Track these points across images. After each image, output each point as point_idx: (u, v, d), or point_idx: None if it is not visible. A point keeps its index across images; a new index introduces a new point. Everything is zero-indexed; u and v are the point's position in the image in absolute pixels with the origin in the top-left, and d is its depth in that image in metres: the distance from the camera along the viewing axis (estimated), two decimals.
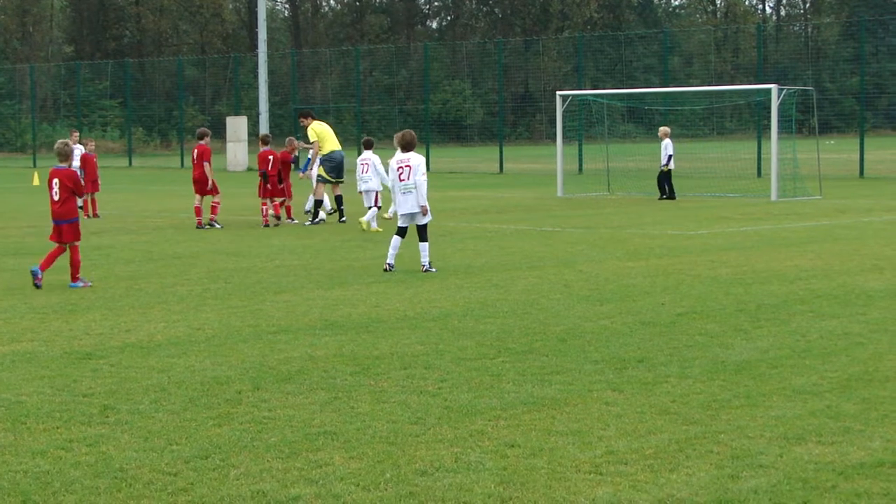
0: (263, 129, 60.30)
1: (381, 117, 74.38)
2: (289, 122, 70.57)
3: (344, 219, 27.33)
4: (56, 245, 16.96)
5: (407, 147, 17.97)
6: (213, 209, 26.71)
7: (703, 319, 13.38)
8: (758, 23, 68.53)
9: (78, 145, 31.70)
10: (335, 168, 27.60)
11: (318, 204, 27.63)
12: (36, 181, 48.27)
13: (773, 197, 33.97)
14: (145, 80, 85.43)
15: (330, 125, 28.84)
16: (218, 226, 26.30)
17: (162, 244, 22.76)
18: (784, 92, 35.54)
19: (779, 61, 65.23)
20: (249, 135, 61.33)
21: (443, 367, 10.91)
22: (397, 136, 18.11)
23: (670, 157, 34.77)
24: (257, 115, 61.45)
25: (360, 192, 26.19)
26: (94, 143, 32.53)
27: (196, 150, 26.76)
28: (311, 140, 27.89)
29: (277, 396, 9.81)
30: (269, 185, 26.80)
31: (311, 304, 14.79)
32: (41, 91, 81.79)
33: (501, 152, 55.43)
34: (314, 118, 28.44)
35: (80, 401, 9.71)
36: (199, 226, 26.23)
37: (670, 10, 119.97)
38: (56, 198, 16.81)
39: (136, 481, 7.56)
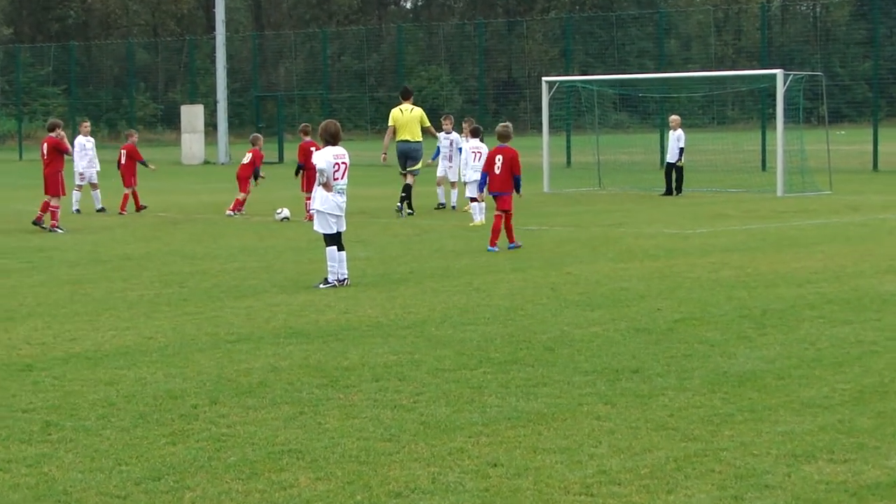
0: (221, 117, 60.20)
1: (350, 105, 74.28)
2: (249, 111, 70.43)
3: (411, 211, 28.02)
4: (495, 215, 21.00)
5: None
6: (54, 214, 25.23)
7: (703, 326, 13.41)
8: (762, 2, 68.65)
9: (89, 138, 31.47)
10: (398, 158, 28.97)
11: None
12: None
13: (779, 192, 34.09)
14: (91, 65, 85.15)
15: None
16: (61, 230, 24.99)
17: (110, 244, 22.70)
18: (790, 78, 35.65)
19: (784, 44, 65.44)
20: (206, 125, 61.19)
21: (419, 379, 10.91)
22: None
23: (682, 150, 34.83)
24: (215, 102, 61.34)
25: (466, 183, 27.22)
26: (135, 136, 31.61)
27: (45, 144, 25.44)
28: (389, 125, 28.79)
29: (237, 411, 9.80)
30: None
31: (275, 311, 14.78)
32: None
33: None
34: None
35: (19, 417, 9.68)
36: (53, 228, 25.05)
37: None
38: (497, 172, 20.88)
39: None
